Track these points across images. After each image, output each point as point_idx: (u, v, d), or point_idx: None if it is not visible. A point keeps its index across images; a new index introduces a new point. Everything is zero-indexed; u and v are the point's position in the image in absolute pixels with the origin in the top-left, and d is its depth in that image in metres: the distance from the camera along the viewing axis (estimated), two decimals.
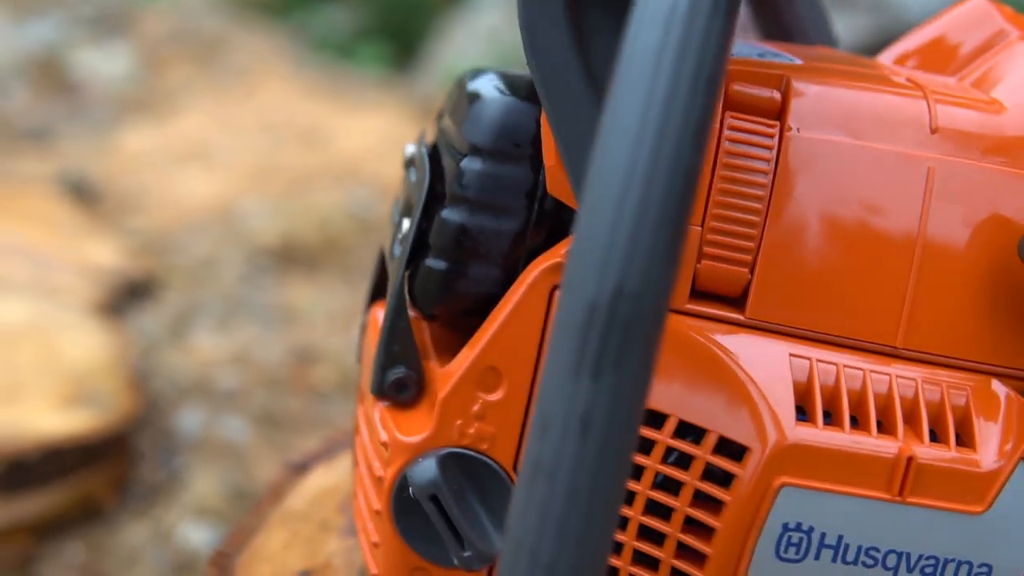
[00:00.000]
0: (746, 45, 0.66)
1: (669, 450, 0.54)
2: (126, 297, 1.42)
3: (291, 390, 1.34)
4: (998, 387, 0.55)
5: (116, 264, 1.46)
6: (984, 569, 0.53)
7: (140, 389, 1.28)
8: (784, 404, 0.53)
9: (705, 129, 0.42)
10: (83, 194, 1.64)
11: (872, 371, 0.55)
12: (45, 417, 1.18)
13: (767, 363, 0.55)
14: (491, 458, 0.58)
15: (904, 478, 0.53)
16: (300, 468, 0.83)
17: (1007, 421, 0.54)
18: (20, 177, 1.67)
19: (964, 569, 0.53)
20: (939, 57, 0.61)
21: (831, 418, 0.54)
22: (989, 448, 0.54)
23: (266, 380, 1.32)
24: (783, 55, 0.64)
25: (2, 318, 1.30)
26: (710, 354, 0.56)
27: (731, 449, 0.53)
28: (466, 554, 0.57)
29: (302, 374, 1.37)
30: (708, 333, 0.56)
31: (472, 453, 0.58)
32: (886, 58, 0.64)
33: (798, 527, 0.54)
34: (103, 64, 1.99)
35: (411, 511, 0.58)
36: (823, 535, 0.54)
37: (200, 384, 1.32)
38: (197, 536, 1.22)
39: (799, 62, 0.62)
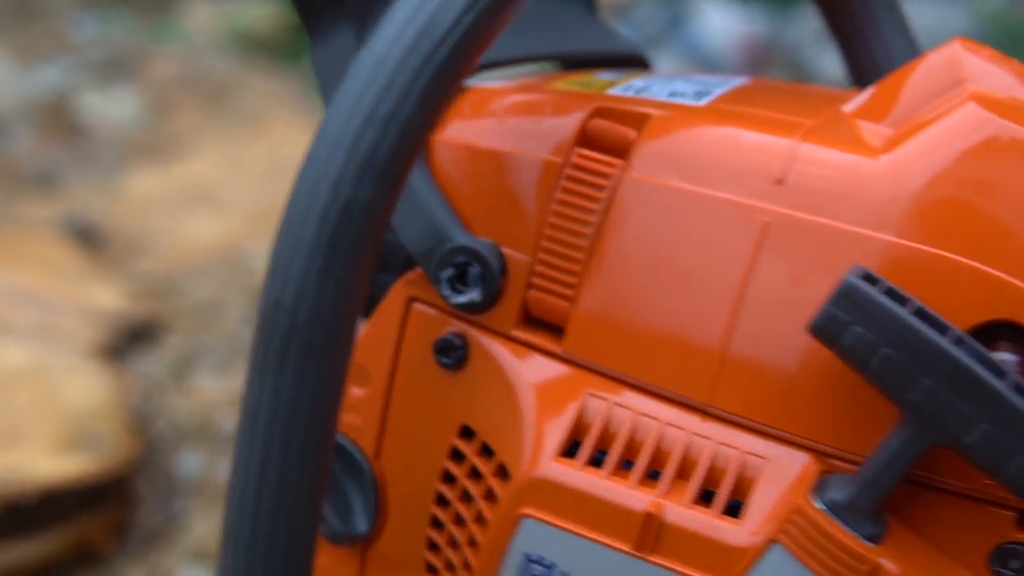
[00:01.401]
0: (677, 80, 0.65)
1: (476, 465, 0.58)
2: (129, 340, 1.43)
3: None
4: (798, 464, 0.52)
5: (119, 307, 1.47)
6: None
7: (140, 432, 1.29)
8: (552, 437, 0.53)
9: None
10: (88, 238, 1.65)
11: (670, 424, 0.53)
12: (44, 461, 1.19)
13: (555, 396, 0.55)
14: (358, 447, 0.62)
15: (650, 535, 0.51)
16: None
17: (781, 499, 0.52)
18: (26, 221, 1.68)
19: None
20: (890, 103, 0.58)
21: (605, 462, 0.53)
22: (752, 522, 0.51)
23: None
24: (707, 89, 0.64)
25: (3, 362, 1.31)
26: (509, 380, 0.57)
27: (505, 472, 0.55)
28: (329, 527, 0.62)
29: None
30: (517, 360, 0.57)
31: (343, 441, 0.62)
32: (854, 100, 0.61)
33: (540, 561, 0.53)
34: (111, 108, 2.01)
35: None
36: (565, 574, 0.53)
37: (201, 426, 1.33)
38: None
39: (697, 103, 0.61)
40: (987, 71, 0.55)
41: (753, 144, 0.55)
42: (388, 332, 0.62)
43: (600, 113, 0.57)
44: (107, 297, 1.49)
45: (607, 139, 0.56)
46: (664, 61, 2.88)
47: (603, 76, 0.67)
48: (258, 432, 0.50)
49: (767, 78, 0.70)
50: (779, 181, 0.53)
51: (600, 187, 0.56)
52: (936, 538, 0.50)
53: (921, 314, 0.48)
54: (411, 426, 0.62)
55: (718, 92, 0.62)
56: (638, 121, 0.57)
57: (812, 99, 0.63)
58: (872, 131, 0.55)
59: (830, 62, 3.08)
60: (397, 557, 0.63)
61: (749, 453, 0.52)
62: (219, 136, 2.00)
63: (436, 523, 0.59)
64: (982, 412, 0.46)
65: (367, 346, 0.63)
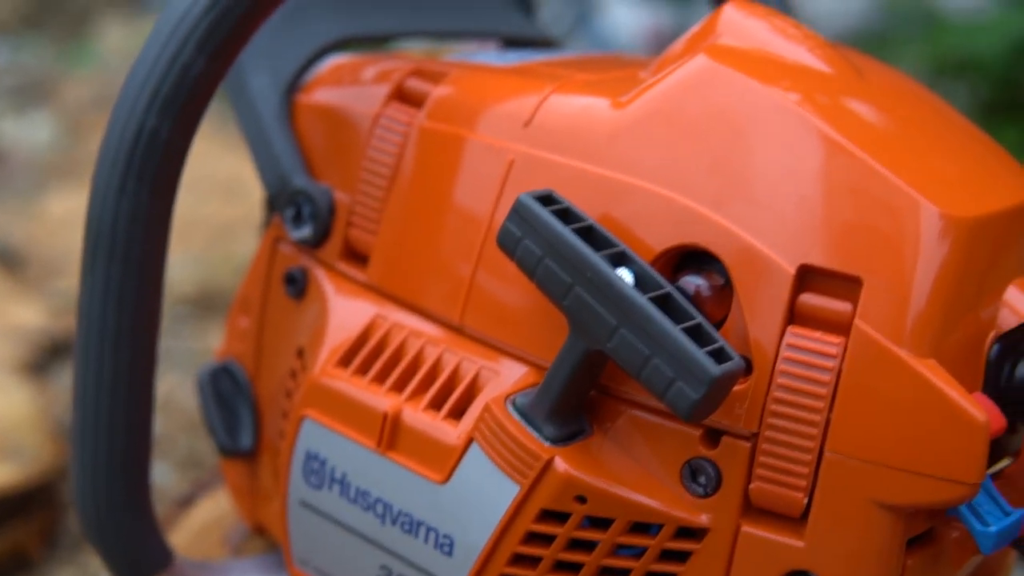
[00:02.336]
0: (525, 51, 0.71)
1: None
2: (50, 356, 1.45)
3: None
4: (517, 374, 0.58)
5: (40, 324, 1.49)
6: (447, 540, 0.57)
7: (64, 442, 1.30)
8: (335, 350, 0.61)
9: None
10: (8, 259, 1.67)
11: (430, 341, 0.60)
12: None
13: (346, 315, 0.63)
14: (244, 370, 0.72)
15: (388, 433, 0.57)
16: (187, 501, 0.87)
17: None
18: None
19: (432, 535, 0.57)
20: (667, 59, 0.63)
21: (374, 368, 0.60)
22: (464, 424, 0.57)
23: (188, 425, 1.35)
24: (527, 56, 0.70)
25: None
26: (326, 305, 0.65)
27: None
28: (221, 442, 0.72)
29: None
30: (335, 288, 0.65)
31: (233, 365, 0.72)
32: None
33: (316, 457, 0.60)
34: (26, 133, 2.02)
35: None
36: (333, 469, 0.59)
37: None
38: None
39: (500, 64, 0.67)
40: (744, 27, 0.60)
41: (516, 93, 0.60)
42: (260, 267, 0.70)
43: (414, 72, 0.64)
44: (28, 315, 1.52)
45: (412, 93, 0.63)
46: None
47: (466, 51, 0.74)
48: (82, 322, 0.60)
49: (617, 53, 0.75)
50: (526, 124, 0.59)
51: (398, 133, 0.63)
52: (635, 451, 0.54)
53: (587, 231, 0.53)
54: (273, 350, 0.70)
55: (541, 58, 0.68)
56: (439, 77, 0.63)
57: (621, 62, 0.68)
58: (620, 79, 0.61)
59: None
60: (270, 473, 0.70)
61: (484, 366, 0.57)
62: None
63: (282, 435, 0.66)
64: (620, 319, 0.50)
65: (250, 280, 0.71)
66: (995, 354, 0.55)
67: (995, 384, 0.55)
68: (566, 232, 0.52)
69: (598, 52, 0.73)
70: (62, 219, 1.78)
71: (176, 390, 1.40)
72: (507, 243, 0.54)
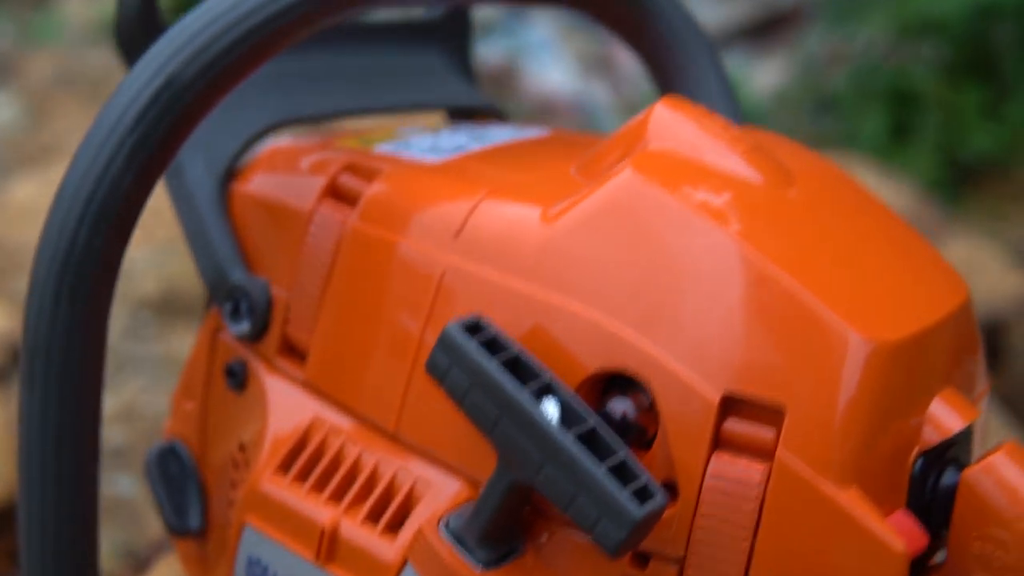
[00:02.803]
0: (460, 133, 0.71)
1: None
2: (13, 363, 1.44)
3: None
4: (452, 489, 0.59)
5: (3, 327, 1.49)
6: None
7: None
8: (274, 452, 0.63)
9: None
10: None
11: (367, 448, 0.61)
12: None
13: (285, 416, 0.64)
14: (189, 453, 0.73)
15: (326, 546, 0.59)
16: (144, 564, 0.88)
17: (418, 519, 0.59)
18: None
19: None
20: (598, 160, 0.63)
21: (313, 475, 0.61)
22: (400, 542, 0.58)
23: (151, 433, 1.36)
24: (481, 138, 0.70)
25: None
26: (266, 402, 0.66)
27: None
28: (170, 522, 0.72)
29: None
30: (274, 384, 0.66)
31: (180, 447, 0.73)
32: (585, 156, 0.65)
33: (259, 563, 0.61)
34: None
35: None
36: (271, 574, 0.60)
37: None
38: None
39: (435, 160, 0.67)
40: (674, 131, 0.60)
41: (448, 198, 0.61)
42: (201, 356, 0.71)
43: (348, 168, 0.65)
44: None
45: (345, 190, 0.64)
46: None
47: (405, 133, 0.74)
48: (23, 428, 0.61)
49: (557, 130, 0.75)
50: (457, 233, 0.59)
51: (332, 232, 0.63)
52: (566, 571, 0.56)
53: (514, 363, 0.54)
54: (217, 436, 0.71)
55: (478, 146, 0.68)
56: (372, 175, 0.64)
57: (557, 153, 0.68)
58: (576, 187, 0.61)
59: (704, 9, 3.13)
60: (221, 551, 0.71)
61: (419, 478, 0.58)
62: None
63: (228, 524, 0.67)
64: (545, 457, 0.51)
65: (191, 367, 0.72)
66: (919, 469, 0.56)
67: (919, 497, 0.56)
68: (491, 366, 0.53)
69: (536, 130, 0.73)
70: (26, 208, 1.76)
71: (138, 398, 1.41)
72: (435, 371, 0.55)
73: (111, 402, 1.40)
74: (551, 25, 2.89)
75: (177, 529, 0.72)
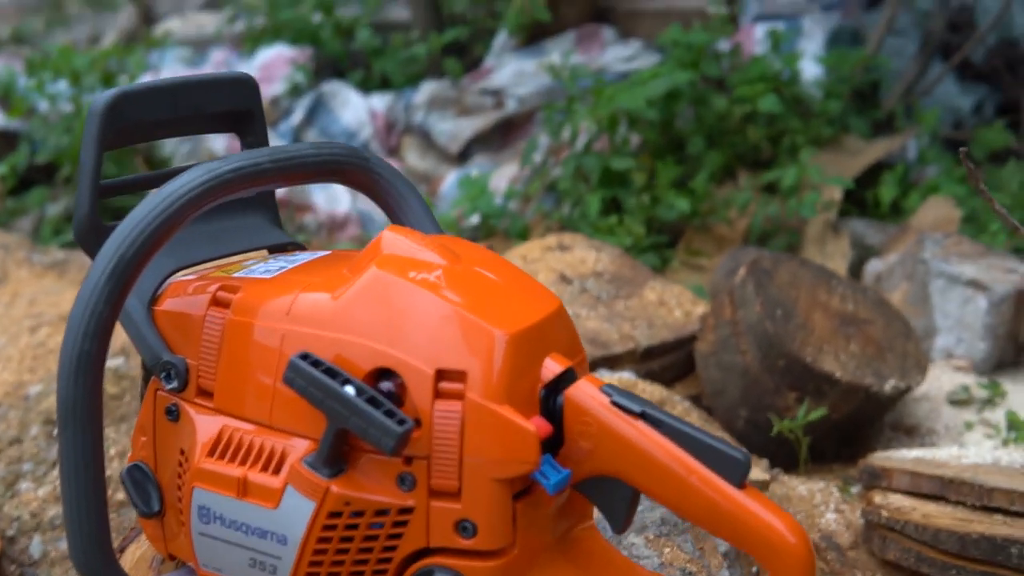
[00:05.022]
0: (277, 261, 1.25)
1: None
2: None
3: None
4: (302, 447, 1.11)
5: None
6: (283, 537, 1.12)
7: None
8: (204, 448, 1.14)
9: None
10: None
11: (255, 434, 1.14)
12: None
13: (206, 428, 1.15)
14: (149, 467, 1.22)
15: (242, 487, 1.13)
16: (122, 549, 1.36)
17: (293, 464, 1.10)
18: None
19: (273, 536, 1.13)
20: (362, 261, 1.16)
21: (227, 455, 1.13)
22: (281, 476, 1.12)
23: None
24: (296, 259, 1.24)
25: None
26: (193, 425, 1.16)
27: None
28: (140, 509, 1.21)
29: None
30: (197, 414, 1.17)
31: (143, 464, 1.22)
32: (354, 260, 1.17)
33: (205, 507, 1.15)
34: None
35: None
36: (214, 511, 1.15)
37: (37, 518, 1.81)
38: None
39: (271, 275, 1.20)
40: (396, 243, 1.15)
41: (280, 294, 1.15)
42: (149, 407, 1.21)
43: (223, 287, 1.17)
44: None
45: (222, 300, 1.18)
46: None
47: (249, 263, 1.26)
48: (60, 462, 1.10)
49: (335, 250, 1.28)
50: (287, 312, 1.14)
51: (218, 325, 1.16)
52: (371, 474, 1.10)
53: (328, 370, 1.06)
54: (164, 453, 1.23)
55: (292, 265, 1.21)
56: (235, 289, 1.16)
57: (337, 263, 1.21)
58: (348, 280, 1.14)
59: (445, 127, 3.70)
60: (175, 522, 1.21)
61: (286, 444, 1.11)
62: None
63: (180, 500, 1.17)
64: (349, 412, 1.05)
65: (143, 415, 1.21)
66: (543, 394, 1.10)
67: (547, 409, 1.10)
68: (317, 373, 1.06)
69: (322, 252, 1.25)
70: None
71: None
72: (289, 382, 1.07)
73: (45, 491, 1.83)
74: None
75: (145, 512, 1.21)
